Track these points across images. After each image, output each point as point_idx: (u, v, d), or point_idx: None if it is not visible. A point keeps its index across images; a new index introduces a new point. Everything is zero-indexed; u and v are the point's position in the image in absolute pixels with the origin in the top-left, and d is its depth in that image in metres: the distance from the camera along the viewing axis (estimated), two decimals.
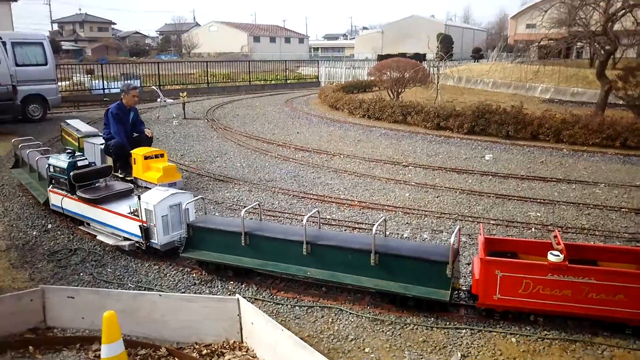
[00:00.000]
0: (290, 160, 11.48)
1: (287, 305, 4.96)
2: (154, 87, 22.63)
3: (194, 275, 5.63)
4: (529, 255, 4.80)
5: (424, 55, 51.35)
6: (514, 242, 5.04)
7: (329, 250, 4.97)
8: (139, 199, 5.83)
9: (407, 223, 7.43)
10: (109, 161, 9.51)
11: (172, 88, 26.87)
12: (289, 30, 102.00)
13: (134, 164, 9.00)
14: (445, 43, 56.50)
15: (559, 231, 5.03)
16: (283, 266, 5.17)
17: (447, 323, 4.64)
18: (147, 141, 9.64)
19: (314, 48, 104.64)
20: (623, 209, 8.15)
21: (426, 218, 7.66)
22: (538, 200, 8.56)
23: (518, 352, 4.22)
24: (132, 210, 6.00)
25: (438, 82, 21.79)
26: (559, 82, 26.45)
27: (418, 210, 8.00)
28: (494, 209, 8.11)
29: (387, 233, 6.74)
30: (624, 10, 16.82)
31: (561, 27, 19.16)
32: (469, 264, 5.76)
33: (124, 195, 6.60)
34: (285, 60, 37.65)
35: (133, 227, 5.97)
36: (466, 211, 8.00)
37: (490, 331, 4.50)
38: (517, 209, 8.10)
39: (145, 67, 29.20)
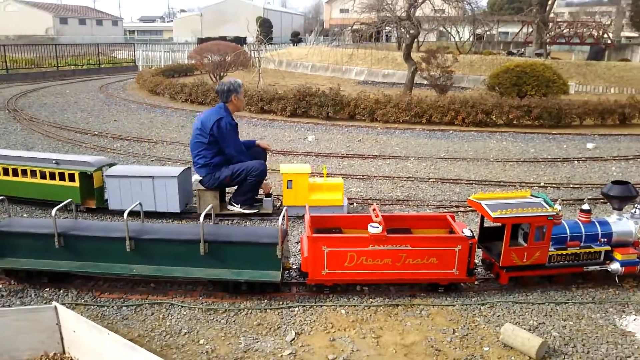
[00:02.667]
0: (108, 150, 10.75)
1: (112, 306, 4.64)
2: None
3: (0, 286, 5.01)
4: (352, 229, 5.06)
5: (245, 38, 51.41)
6: (338, 218, 5.27)
7: (155, 244, 4.74)
8: None
9: None
10: (208, 198, 6.80)
11: None
12: (101, 11, 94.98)
13: (289, 188, 6.81)
14: (265, 27, 57.17)
15: (377, 204, 5.36)
16: (105, 266, 4.81)
17: (280, 303, 4.71)
18: (265, 157, 7.32)
19: (129, 31, 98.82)
20: (431, 179, 8.98)
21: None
22: (358, 177, 9.06)
23: (348, 322, 4.43)
24: None
25: (259, 66, 21.94)
26: (372, 64, 28.22)
27: None
28: None
29: (216, 220, 6.64)
30: None
31: (371, 12, 20.35)
32: (298, 243, 5.91)
33: None
34: (98, 44, 35.03)
35: None
36: None
37: (321, 306, 4.67)
38: None
39: None
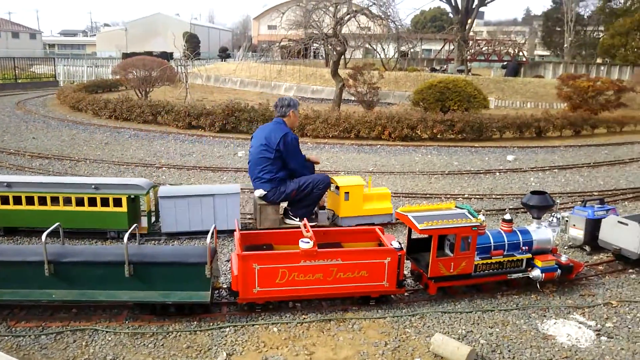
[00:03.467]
0: (26, 169, 10.19)
1: (30, 336, 4.36)
2: None
3: None
4: (283, 245, 5.02)
5: (171, 54, 50.47)
6: (269, 234, 5.22)
7: (77, 267, 4.50)
8: None
9: None
10: (269, 212, 6.71)
11: None
12: (17, 24, 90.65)
13: (345, 200, 6.89)
14: (192, 42, 56.60)
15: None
16: (23, 293, 4.51)
17: (211, 324, 4.58)
18: (314, 170, 7.23)
19: (49, 45, 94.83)
20: None
21: None
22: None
23: (280, 340, 4.37)
24: None
25: (187, 81, 21.61)
26: (301, 80, 28.44)
27: None
28: (250, 204, 8.32)
29: (142, 241, 6.44)
30: (349, 16, 18.77)
31: (298, 29, 20.56)
32: (228, 261, 5.80)
33: None
34: (14, 58, 33.35)
35: None
36: None
37: (253, 324, 4.58)
38: None
39: None
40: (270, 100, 16.88)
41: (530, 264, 5.25)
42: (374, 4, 19.21)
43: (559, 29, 55.92)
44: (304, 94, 28.07)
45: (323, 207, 7.21)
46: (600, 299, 5.30)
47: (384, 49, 31.65)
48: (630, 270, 6.02)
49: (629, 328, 4.74)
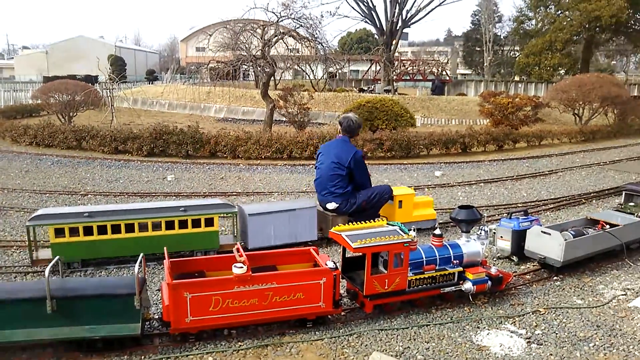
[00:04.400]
0: None
1: None
2: None
3: None
4: (216, 272, 4.88)
5: (96, 77, 49.03)
6: (200, 261, 5.07)
7: None
8: None
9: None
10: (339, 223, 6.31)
11: None
12: None
13: (399, 208, 7.67)
14: (118, 65, 55.16)
15: (241, 243, 5.25)
16: None
17: (142, 357, 4.37)
18: None
19: None
20: None
21: None
22: (221, 215, 8.86)
23: None
24: None
25: (112, 105, 20.99)
26: (231, 102, 28.27)
27: None
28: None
29: (67, 273, 6.11)
30: (276, 37, 18.89)
31: (227, 51, 20.46)
32: (159, 291, 5.59)
33: None
34: None
35: None
36: None
37: (187, 355, 4.41)
38: None
39: None
40: (199, 122, 16.67)
41: (462, 277, 5.37)
42: (301, 26, 19.44)
43: (478, 48, 58.75)
44: (234, 115, 27.88)
45: (378, 216, 7.44)
46: (529, 307, 5.48)
47: (312, 70, 32.06)
48: (555, 278, 6.28)
49: (556, 334, 4.91)
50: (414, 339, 4.75)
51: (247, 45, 19.36)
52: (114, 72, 26.20)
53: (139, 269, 4.34)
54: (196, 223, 6.47)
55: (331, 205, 7.27)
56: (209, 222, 6.53)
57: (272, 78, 21.62)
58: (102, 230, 6.18)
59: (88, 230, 6.16)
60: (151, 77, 67.02)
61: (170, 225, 6.40)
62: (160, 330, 4.73)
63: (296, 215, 7.04)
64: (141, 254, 4.64)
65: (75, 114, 19.88)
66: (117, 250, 6.29)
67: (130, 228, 6.26)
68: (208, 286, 4.43)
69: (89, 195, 10.14)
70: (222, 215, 6.77)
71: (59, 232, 6.08)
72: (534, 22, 43.57)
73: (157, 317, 4.85)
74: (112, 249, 6.27)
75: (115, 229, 6.22)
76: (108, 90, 21.86)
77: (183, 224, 6.43)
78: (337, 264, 4.97)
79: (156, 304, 5.32)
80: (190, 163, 13.67)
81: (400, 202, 7.70)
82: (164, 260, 4.81)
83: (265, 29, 18.97)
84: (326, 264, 4.78)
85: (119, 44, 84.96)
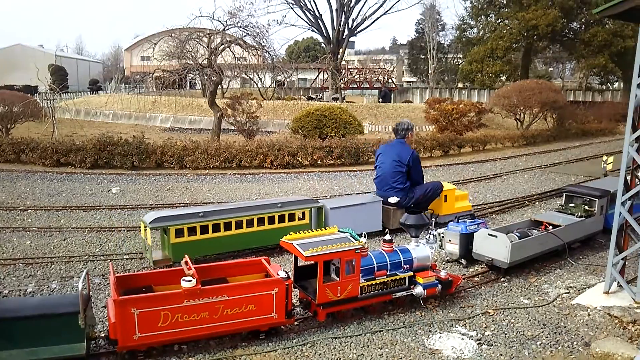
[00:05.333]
0: None
1: None
2: None
3: None
4: (164, 286, 4.75)
5: (36, 87, 47.26)
6: (147, 276, 4.92)
7: None
8: None
9: (30, 275, 6.55)
10: (397, 214, 7.85)
11: None
12: None
13: (445, 201, 8.65)
14: (59, 75, 53.40)
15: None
16: None
17: None
18: None
19: None
20: None
21: (53, 265, 6.90)
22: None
23: None
24: None
25: (54, 116, 20.28)
26: (177, 111, 27.80)
27: (43, 258, 7.15)
28: (127, 242, 7.87)
29: (5, 292, 5.83)
30: (223, 46, 18.73)
31: (172, 60, 20.12)
32: (105, 307, 5.39)
33: None
34: None
35: None
36: (97, 250, 7.54)
37: None
38: None
39: None
40: (145, 132, 16.30)
41: (413, 282, 5.42)
42: (248, 34, 19.34)
43: (423, 56, 60.01)
44: (181, 124, 27.45)
45: (426, 209, 8.21)
46: (478, 309, 5.58)
47: (260, 79, 31.97)
48: (503, 279, 6.43)
49: (506, 334, 5.02)
50: (368, 346, 4.76)
51: (193, 54, 19.09)
52: (54, 82, 25.38)
53: (82, 285, 4.17)
54: (291, 217, 7.28)
55: (393, 199, 8.16)
56: (302, 216, 7.46)
57: (220, 87, 21.39)
58: (215, 228, 6.79)
59: (204, 229, 6.73)
60: (94, 87, 65.10)
61: (271, 220, 7.14)
62: (107, 348, 4.57)
63: (366, 209, 8.02)
64: (85, 270, 4.46)
65: (13, 125, 19.10)
66: (227, 246, 6.94)
67: (239, 225, 6.92)
68: (156, 301, 4.30)
69: (29, 211, 9.73)
70: (310, 209, 7.52)
71: (179, 233, 6.58)
72: (475, 30, 44.87)
73: (103, 335, 4.69)
74: (224, 245, 6.91)
75: (227, 226, 6.86)
76: (49, 101, 21.10)
77: (281, 219, 7.22)
78: (289, 274, 4.93)
79: (102, 321, 5.13)
80: (135, 174, 13.33)
81: (446, 196, 8.67)
82: (109, 276, 4.65)
83: (212, 37, 18.77)
84: (278, 274, 4.73)
85: (59, 53, 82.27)
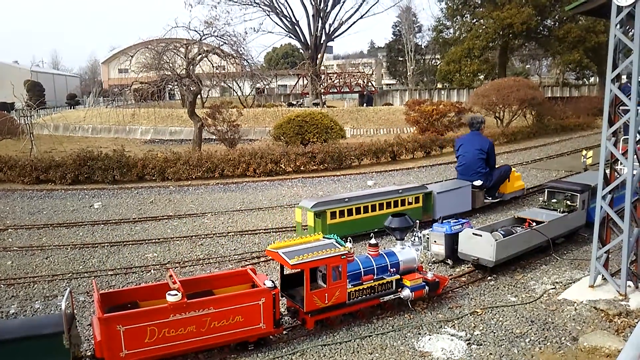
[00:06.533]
0: None
1: None
2: None
3: None
4: (150, 301, 4.68)
5: (12, 104, 46.64)
6: (132, 291, 4.86)
7: None
8: None
9: (12, 296, 6.44)
10: (480, 195, 9.74)
11: None
12: None
13: (508, 181, 10.19)
14: (36, 90, 52.81)
15: (173, 269, 5.08)
16: None
17: None
18: None
19: None
20: (229, 233, 8.90)
21: (36, 285, 6.78)
22: (153, 241, 8.60)
23: None
24: None
25: (31, 133, 20.02)
26: (157, 122, 27.63)
27: (25, 278, 7.04)
28: (111, 258, 7.77)
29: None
30: (201, 55, 18.65)
31: (150, 71, 19.98)
32: (90, 326, 5.31)
33: None
34: None
35: None
36: (81, 267, 7.43)
37: None
38: (134, 254, 7.96)
39: None
40: (125, 145, 16.17)
41: (400, 285, 5.41)
42: (225, 43, 19.29)
43: (401, 58, 60.28)
44: (162, 136, 27.27)
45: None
46: (466, 309, 5.60)
47: (240, 87, 31.83)
48: (489, 278, 6.46)
49: (494, 333, 5.04)
50: (357, 351, 4.74)
51: (171, 65, 18.99)
52: (31, 99, 25.06)
53: (66, 304, 4.10)
54: (409, 202, 8.73)
55: (478, 182, 9.62)
56: (417, 200, 8.89)
57: (199, 96, 21.29)
58: (357, 211, 8.31)
59: (350, 212, 8.25)
60: (72, 101, 64.29)
61: (395, 204, 8.60)
62: None
63: (461, 192, 9.45)
64: (68, 289, 4.39)
65: None
66: (364, 226, 8.17)
67: (373, 208, 8.40)
68: (142, 317, 4.24)
69: (9, 230, 9.56)
70: (422, 194, 8.97)
71: (333, 215, 8.11)
72: (452, 30, 45.18)
73: (89, 354, 4.59)
74: (361, 226, 8.20)
75: (365, 209, 8.35)
76: (26, 118, 20.84)
77: (402, 203, 8.69)
78: (276, 283, 4.90)
79: (88, 339, 5.05)
80: (117, 188, 13.18)
81: (509, 177, 10.21)
82: (93, 293, 4.58)
83: (189, 47, 18.69)
84: (264, 284, 4.70)
85: (35, 69, 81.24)
